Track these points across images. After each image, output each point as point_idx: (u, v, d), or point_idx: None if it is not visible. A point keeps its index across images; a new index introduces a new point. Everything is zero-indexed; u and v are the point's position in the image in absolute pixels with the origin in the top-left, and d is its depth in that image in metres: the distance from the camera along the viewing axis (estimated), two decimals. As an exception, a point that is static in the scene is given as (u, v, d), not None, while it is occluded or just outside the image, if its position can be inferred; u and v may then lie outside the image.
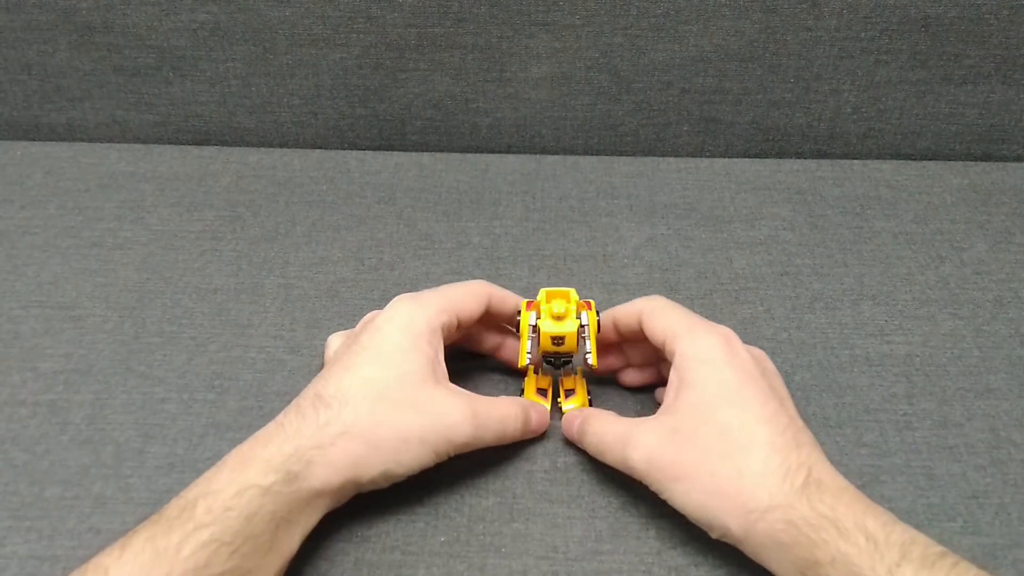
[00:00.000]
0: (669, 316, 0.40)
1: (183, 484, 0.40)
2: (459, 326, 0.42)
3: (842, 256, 0.55)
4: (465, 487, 0.41)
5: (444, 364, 0.40)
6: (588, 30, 0.62)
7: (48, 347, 0.48)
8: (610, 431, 0.39)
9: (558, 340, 0.41)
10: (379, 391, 0.37)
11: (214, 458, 0.42)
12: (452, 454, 0.38)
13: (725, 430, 0.36)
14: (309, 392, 0.38)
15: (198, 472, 0.41)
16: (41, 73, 0.65)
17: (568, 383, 0.45)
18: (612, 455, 0.39)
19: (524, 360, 0.42)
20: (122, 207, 0.60)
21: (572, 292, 0.42)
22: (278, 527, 0.34)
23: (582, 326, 0.41)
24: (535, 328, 0.42)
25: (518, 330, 0.42)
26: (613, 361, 0.46)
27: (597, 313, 0.42)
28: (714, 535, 0.36)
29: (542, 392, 0.44)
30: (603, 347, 0.45)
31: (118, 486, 0.41)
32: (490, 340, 0.46)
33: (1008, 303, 0.52)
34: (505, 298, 0.44)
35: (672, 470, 0.36)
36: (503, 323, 0.45)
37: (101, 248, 0.56)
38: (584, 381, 0.45)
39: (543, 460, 0.42)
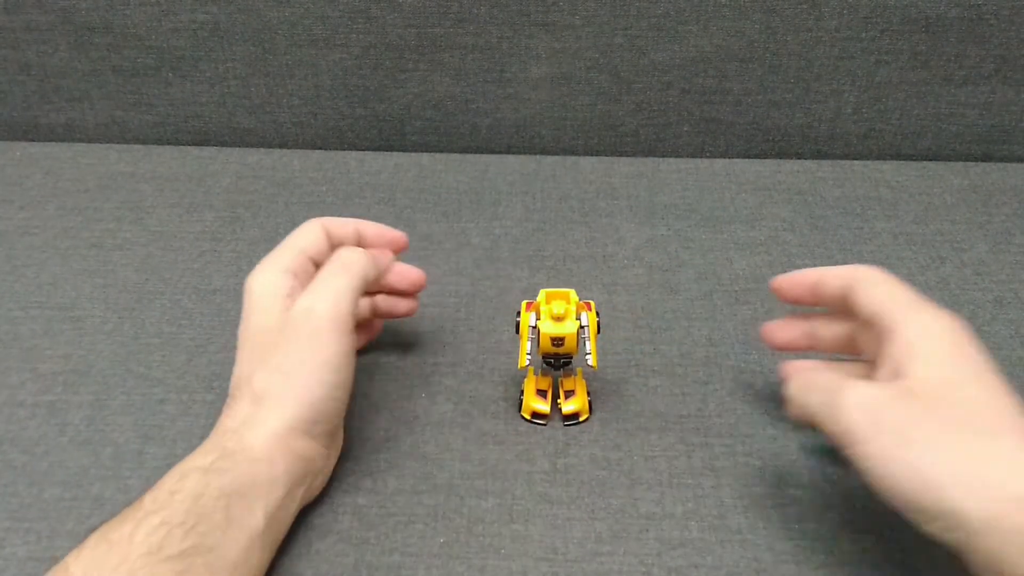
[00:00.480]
0: (894, 289, 0.37)
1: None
2: (314, 260, 0.42)
3: (842, 257, 0.55)
4: (464, 488, 0.41)
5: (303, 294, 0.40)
6: (588, 30, 0.62)
7: (47, 348, 0.48)
8: (824, 373, 0.37)
9: (558, 341, 0.41)
10: (260, 354, 0.38)
11: (213, 459, 0.42)
12: (340, 328, 0.38)
13: (975, 407, 0.32)
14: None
15: (197, 473, 0.41)
16: (40, 73, 0.65)
17: (568, 384, 0.44)
18: (817, 397, 0.35)
19: (524, 361, 0.42)
20: (121, 208, 0.60)
21: (572, 293, 0.42)
22: (230, 503, 0.34)
23: (582, 327, 0.41)
24: (535, 329, 0.41)
25: (516, 331, 0.42)
26: (797, 338, 0.43)
27: (597, 314, 0.42)
28: (929, 525, 0.30)
29: (542, 393, 0.44)
30: (785, 320, 0.43)
31: (117, 487, 0.41)
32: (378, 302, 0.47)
33: (1008, 304, 0.52)
34: (338, 223, 0.44)
35: (900, 432, 0.31)
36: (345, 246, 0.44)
37: (100, 249, 0.56)
38: (584, 383, 0.44)
39: (542, 462, 0.42)
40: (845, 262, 0.55)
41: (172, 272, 0.54)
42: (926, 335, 0.34)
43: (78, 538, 0.38)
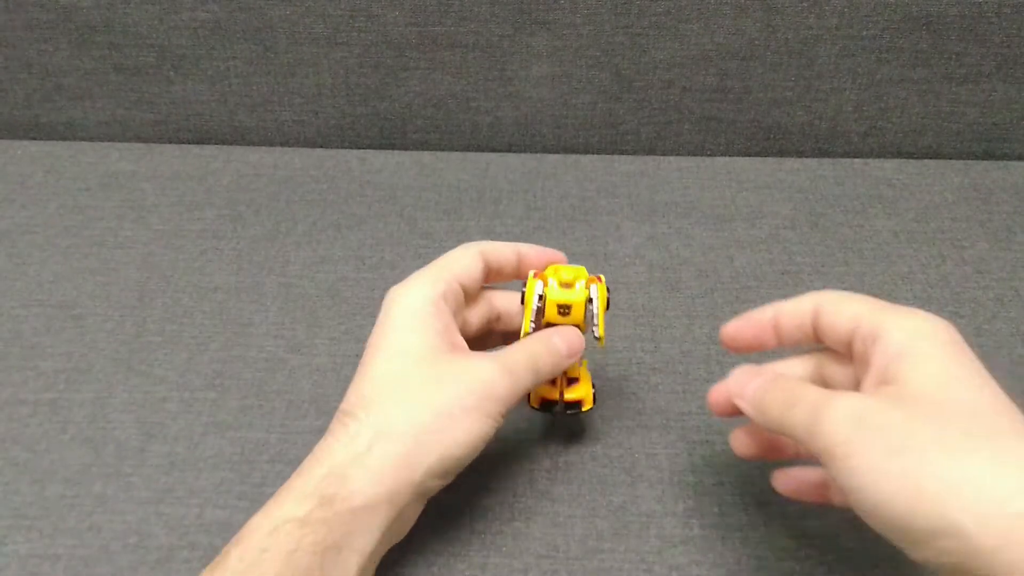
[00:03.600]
0: (861, 301, 0.33)
1: (184, 483, 0.41)
2: (465, 290, 0.39)
3: (843, 255, 0.55)
4: (465, 486, 0.41)
5: (459, 334, 0.37)
6: (589, 29, 0.62)
7: (49, 346, 0.48)
8: (805, 387, 0.32)
9: (564, 309, 0.39)
10: (399, 380, 0.34)
11: (215, 457, 0.42)
12: (503, 412, 0.35)
13: (975, 410, 0.28)
14: (337, 412, 0.35)
15: (199, 471, 0.41)
16: (41, 72, 0.65)
17: (572, 371, 0.41)
18: (799, 413, 0.30)
19: (528, 328, 0.39)
20: (123, 206, 0.60)
21: (582, 269, 0.40)
22: (324, 557, 0.31)
23: (590, 300, 0.39)
24: (541, 297, 0.39)
25: (522, 301, 0.40)
26: (762, 333, 0.37)
27: (608, 289, 0.39)
28: (924, 548, 0.26)
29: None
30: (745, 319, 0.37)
31: (119, 485, 0.41)
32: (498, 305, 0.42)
33: (1009, 302, 0.52)
34: (497, 248, 0.40)
35: (890, 439, 0.27)
36: (507, 277, 0.41)
37: (102, 247, 0.56)
38: (589, 373, 0.42)
39: (544, 459, 0.42)
40: (846, 260, 0.55)
41: (173, 270, 0.54)
42: (915, 336, 0.31)
43: (80, 535, 0.38)
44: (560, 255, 0.41)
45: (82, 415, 0.44)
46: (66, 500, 0.40)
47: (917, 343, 0.30)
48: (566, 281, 0.38)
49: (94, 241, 0.56)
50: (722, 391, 0.36)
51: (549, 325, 0.39)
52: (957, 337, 0.31)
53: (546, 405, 0.41)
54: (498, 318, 0.41)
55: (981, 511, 0.25)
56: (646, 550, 0.38)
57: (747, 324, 0.37)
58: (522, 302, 0.40)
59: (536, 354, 0.37)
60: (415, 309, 0.36)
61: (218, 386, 0.46)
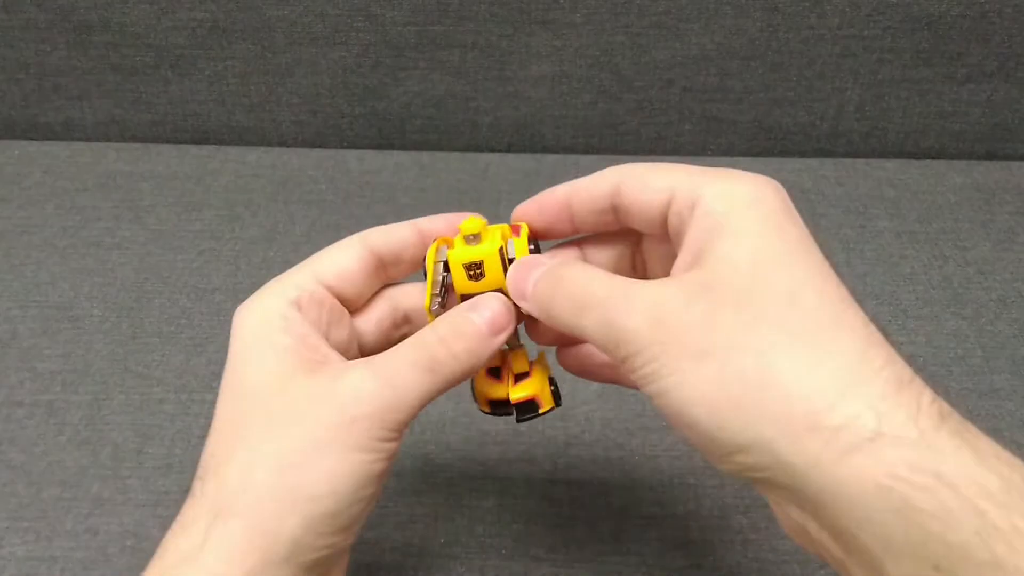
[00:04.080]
0: (675, 169, 0.27)
1: (181, 485, 0.40)
2: (342, 292, 0.30)
3: (845, 255, 0.55)
4: (465, 488, 0.40)
5: (325, 346, 0.28)
6: (589, 28, 0.62)
7: (46, 347, 0.48)
8: (596, 280, 0.26)
9: (474, 270, 0.29)
10: (237, 428, 0.26)
11: (212, 459, 0.42)
12: (388, 436, 0.26)
13: (794, 297, 0.23)
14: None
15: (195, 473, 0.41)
16: (39, 72, 0.65)
17: (519, 363, 0.32)
18: (592, 317, 0.25)
19: (431, 309, 0.30)
20: (120, 206, 0.59)
21: (484, 222, 0.31)
22: None
23: (508, 259, 0.30)
24: (445, 264, 0.30)
25: (425, 277, 0.31)
26: (556, 221, 0.31)
27: (531, 240, 0.31)
28: (726, 462, 0.23)
29: (494, 373, 0.32)
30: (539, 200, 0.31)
31: (116, 487, 0.40)
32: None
33: (1012, 303, 0.52)
34: (388, 232, 0.31)
35: (695, 338, 0.22)
36: (412, 267, 0.32)
37: (99, 248, 0.55)
38: (546, 365, 0.32)
39: (544, 461, 0.42)
40: (848, 261, 0.55)
41: (171, 271, 0.53)
42: (733, 204, 0.25)
43: (77, 537, 0.38)
44: (477, 216, 0.31)
45: (79, 416, 0.44)
46: (63, 502, 0.40)
47: (734, 213, 0.25)
48: (470, 233, 0.30)
49: (91, 241, 0.56)
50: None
51: (464, 298, 0.30)
52: (786, 204, 0.25)
53: (497, 406, 0.32)
54: (406, 320, 0.32)
55: (791, 425, 0.21)
56: (647, 552, 0.38)
57: (536, 209, 0.30)
58: (425, 277, 0.31)
59: (429, 344, 0.27)
60: (255, 330, 0.28)
61: (216, 388, 0.45)
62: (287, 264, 0.53)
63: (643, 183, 0.27)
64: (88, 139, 0.68)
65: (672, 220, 0.27)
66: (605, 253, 0.31)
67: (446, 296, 0.30)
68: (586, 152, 0.67)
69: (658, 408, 0.24)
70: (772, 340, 0.22)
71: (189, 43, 0.63)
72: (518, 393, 0.31)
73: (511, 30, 0.62)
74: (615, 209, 0.29)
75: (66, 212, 0.59)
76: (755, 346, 0.22)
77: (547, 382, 0.31)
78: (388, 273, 0.32)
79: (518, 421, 0.31)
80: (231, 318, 0.49)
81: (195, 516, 0.26)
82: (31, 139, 0.67)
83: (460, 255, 0.30)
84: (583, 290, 0.26)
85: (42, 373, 0.46)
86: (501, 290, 0.30)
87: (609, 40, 0.62)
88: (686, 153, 0.67)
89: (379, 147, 0.67)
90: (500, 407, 0.32)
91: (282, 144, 0.68)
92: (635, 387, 0.26)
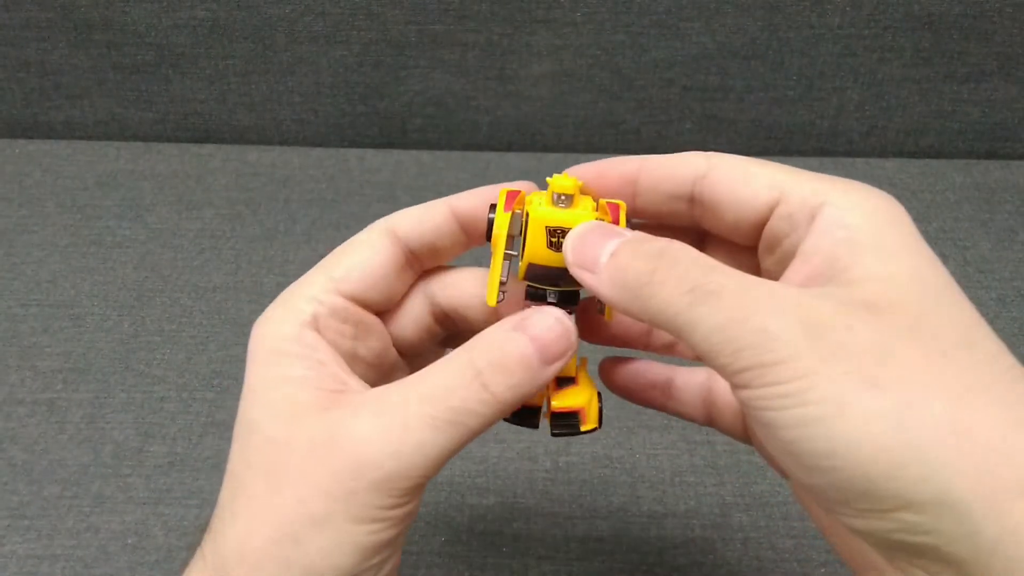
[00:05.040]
0: (778, 168, 0.24)
1: (182, 483, 0.40)
2: (367, 299, 0.26)
3: (845, 254, 0.55)
4: (465, 487, 0.40)
5: (344, 371, 0.24)
6: (589, 27, 0.62)
7: (47, 346, 0.48)
8: (722, 266, 0.21)
9: (558, 238, 0.24)
10: (240, 481, 0.23)
11: (213, 457, 0.42)
12: (397, 502, 0.22)
13: (971, 336, 0.20)
14: None
15: (197, 471, 0.41)
16: (40, 70, 0.65)
17: (566, 367, 0.25)
18: (719, 304, 0.20)
19: (495, 294, 0.25)
20: (121, 205, 0.59)
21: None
22: None
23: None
24: (524, 223, 0.24)
25: (488, 238, 0.25)
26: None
27: (631, 221, 0.25)
28: (897, 517, 0.18)
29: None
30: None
31: (117, 485, 0.40)
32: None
33: (1011, 302, 0.52)
34: (418, 215, 0.26)
35: (866, 364, 0.19)
36: (453, 251, 0.27)
37: (100, 246, 0.55)
38: (589, 377, 0.27)
39: (544, 460, 0.42)
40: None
41: (172, 270, 0.53)
42: (872, 220, 0.21)
43: (78, 535, 0.38)
44: (568, 175, 0.25)
45: (80, 415, 0.44)
46: (64, 500, 0.40)
47: (874, 230, 0.21)
48: (564, 192, 0.24)
49: (92, 240, 0.56)
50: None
51: (535, 269, 0.24)
52: (912, 223, 0.22)
53: (524, 415, 0.26)
54: (445, 317, 0.27)
55: (992, 486, 0.18)
56: (647, 551, 0.38)
57: (595, 174, 0.26)
58: (488, 239, 0.25)
59: (454, 388, 0.22)
60: (267, 358, 0.24)
61: (216, 386, 0.46)
62: (287, 263, 0.54)
63: (746, 174, 0.24)
64: (89, 138, 0.67)
65: (778, 224, 0.23)
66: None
67: (511, 275, 0.25)
68: (586, 151, 0.67)
69: (781, 441, 0.19)
70: (965, 384, 0.19)
71: (190, 42, 0.63)
72: (562, 401, 0.25)
73: (511, 29, 0.62)
74: (694, 198, 0.24)
75: (67, 211, 0.59)
76: (946, 387, 0.19)
77: (596, 395, 0.26)
78: (423, 265, 0.27)
79: (553, 435, 0.26)
80: (232, 316, 0.50)
81: None
82: (32, 138, 0.67)
83: (547, 215, 0.24)
84: (705, 273, 0.21)
85: (43, 371, 0.46)
86: (573, 293, 0.24)
87: (609, 39, 0.62)
88: (686, 152, 0.67)
89: (380, 146, 0.67)
90: (527, 416, 0.25)
91: (283, 143, 0.68)
92: (694, 418, 0.24)
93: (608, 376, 0.29)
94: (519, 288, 0.25)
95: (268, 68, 0.64)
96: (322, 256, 0.27)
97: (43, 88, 0.66)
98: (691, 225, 0.26)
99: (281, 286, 0.26)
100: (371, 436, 0.22)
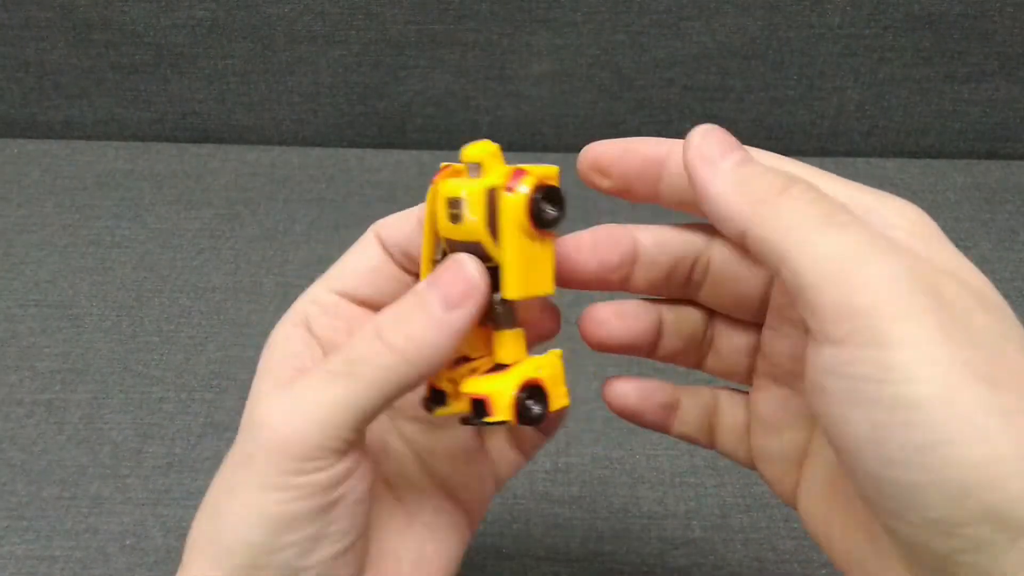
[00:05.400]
0: (811, 170, 0.22)
1: (181, 484, 0.40)
2: (361, 296, 0.25)
3: (845, 254, 0.55)
4: (465, 487, 0.40)
5: (319, 358, 0.24)
6: (589, 27, 0.62)
7: (45, 346, 0.48)
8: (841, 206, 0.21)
9: (454, 208, 0.22)
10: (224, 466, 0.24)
11: (212, 458, 0.42)
12: (302, 467, 0.21)
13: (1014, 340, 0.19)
14: None
15: (196, 472, 0.41)
16: (38, 70, 0.65)
17: (505, 350, 0.24)
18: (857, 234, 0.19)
19: (427, 271, 0.24)
20: (120, 205, 0.59)
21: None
22: None
23: (504, 188, 0.22)
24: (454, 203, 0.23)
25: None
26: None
27: (559, 192, 0.24)
28: (965, 533, 0.16)
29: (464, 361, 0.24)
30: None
31: (116, 486, 0.40)
32: None
33: (1012, 302, 0.51)
34: (399, 224, 0.26)
35: (983, 357, 0.17)
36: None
37: (98, 246, 0.55)
38: (549, 369, 0.24)
39: (544, 460, 0.42)
40: (848, 260, 0.55)
41: (171, 270, 0.53)
42: (921, 228, 0.21)
43: (77, 536, 0.38)
44: (487, 142, 0.25)
45: (79, 415, 0.44)
46: (63, 501, 0.40)
47: (922, 238, 0.21)
48: (471, 160, 0.23)
49: (91, 240, 0.56)
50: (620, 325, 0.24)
51: (449, 244, 0.24)
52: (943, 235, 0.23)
53: (432, 398, 0.24)
54: None
55: None
56: (647, 552, 0.38)
57: (618, 152, 0.25)
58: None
59: (356, 341, 0.22)
60: (266, 365, 0.24)
61: (215, 387, 0.45)
62: (286, 263, 0.54)
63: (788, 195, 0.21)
64: (88, 137, 0.67)
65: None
66: (668, 242, 0.26)
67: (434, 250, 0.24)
68: (586, 151, 0.67)
69: (857, 423, 0.17)
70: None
71: (189, 41, 0.63)
72: (470, 387, 0.23)
73: (511, 29, 0.62)
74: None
75: (65, 210, 0.59)
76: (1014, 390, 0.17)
77: (518, 387, 0.23)
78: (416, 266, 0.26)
79: (460, 422, 0.24)
80: (231, 316, 0.50)
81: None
82: (30, 137, 0.67)
83: (446, 186, 0.23)
84: (835, 207, 0.20)
85: (42, 372, 0.46)
86: (480, 246, 0.22)
87: (609, 39, 0.62)
88: (686, 152, 0.67)
89: (379, 146, 0.67)
90: (433, 398, 0.24)
91: (282, 143, 0.68)
92: (698, 440, 0.25)
93: (615, 397, 0.28)
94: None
95: (267, 68, 0.64)
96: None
97: (42, 88, 0.66)
98: (704, 226, 0.26)
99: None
100: (271, 401, 0.22)
